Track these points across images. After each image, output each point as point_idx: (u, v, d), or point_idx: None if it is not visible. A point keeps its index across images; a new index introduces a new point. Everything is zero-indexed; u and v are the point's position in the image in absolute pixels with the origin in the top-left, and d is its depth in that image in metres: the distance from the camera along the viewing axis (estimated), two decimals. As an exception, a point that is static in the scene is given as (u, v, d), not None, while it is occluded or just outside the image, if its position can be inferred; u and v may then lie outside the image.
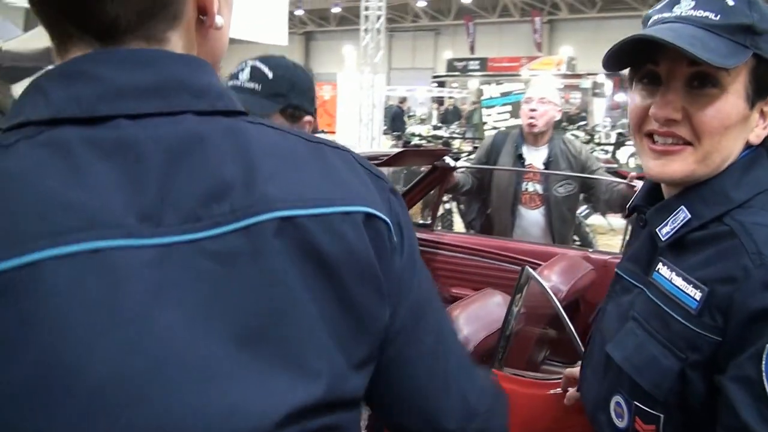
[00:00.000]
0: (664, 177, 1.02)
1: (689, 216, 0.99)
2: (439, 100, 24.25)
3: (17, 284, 0.47)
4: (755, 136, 1.00)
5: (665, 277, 0.99)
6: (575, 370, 1.46)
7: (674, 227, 1.00)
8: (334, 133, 13.90)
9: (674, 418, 0.97)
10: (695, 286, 0.93)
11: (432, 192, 3.53)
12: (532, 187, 3.31)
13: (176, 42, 0.60)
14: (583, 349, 1.72)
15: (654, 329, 0.99)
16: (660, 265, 1.01)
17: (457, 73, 28.99)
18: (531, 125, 3.23)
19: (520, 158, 3.33)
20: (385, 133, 14.00)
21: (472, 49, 28.62)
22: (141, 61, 0.57)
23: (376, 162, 2.27)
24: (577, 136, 8.50)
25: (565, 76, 23.76)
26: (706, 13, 0.95)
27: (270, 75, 1.50)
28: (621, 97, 22.90)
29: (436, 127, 16.73)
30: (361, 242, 0.60)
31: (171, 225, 0.53)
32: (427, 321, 0.70)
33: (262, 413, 0.53)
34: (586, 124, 16.31)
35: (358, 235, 0.60)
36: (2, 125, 0.56)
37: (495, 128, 14.71)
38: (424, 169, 3.54)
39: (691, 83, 0.96)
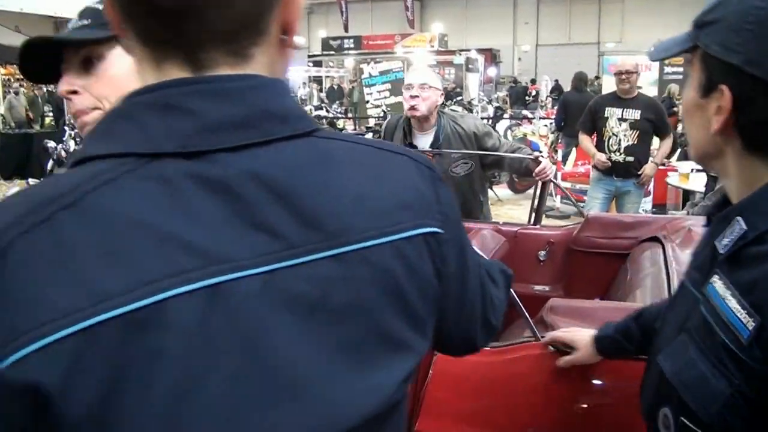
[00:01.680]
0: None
1: (745, 228, 0.93)
2: (318, 80, 24.11)
3: (145, 322, 0.51)
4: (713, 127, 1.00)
5: (719, 294, 0.94)
6: (572, 358, 1.64)
7: (731, 239, 0.94)
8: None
9: None
10: (749, 314, 0.88)
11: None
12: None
13: (260, 59, 0.62)
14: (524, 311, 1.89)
15: (706, 347, 0.94)
16: (715, 278, 0.96)
17: (332, 52, 28.96)
18: (413, 111, 3.23)
19: (411, 146, 3.31)
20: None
21: (346, 28, 28.61)
22: (231, 94, 0.59)
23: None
24: (455, 111, 8.79)
25: (439, 52, 24.26)
26: None
27: (101, 6, 1.15)
28: (492, 71, 23.67)
29: (317, 108, 16.68)
30: (421, 260, 0.70)
31: (272, 253, 0.58)
32: (469, 288, 0.83)
33: (389, 389, 0.66)
34: (462, 99, 16.73)
35: (420, 254, 0.69)
36: (90, 151, 0.57)
37: (376, 106, 14.89)
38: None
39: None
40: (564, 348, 1.69)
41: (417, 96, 3.19)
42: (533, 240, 3.31)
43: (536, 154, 3.21)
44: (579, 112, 6.06)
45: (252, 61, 0.61)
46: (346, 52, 28.72)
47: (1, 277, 0.49)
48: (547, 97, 18.69)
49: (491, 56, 25.12)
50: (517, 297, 1.81)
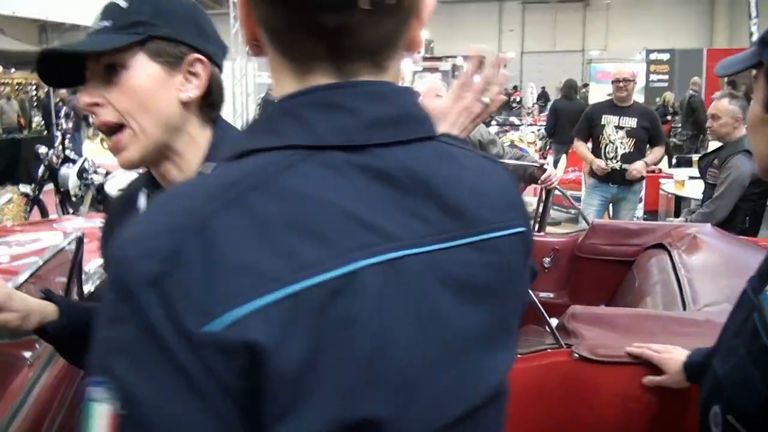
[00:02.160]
0: None
1: None
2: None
3: (340, 290, 0.56)
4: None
5: None
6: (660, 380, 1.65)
7: None
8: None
9: None
10: None
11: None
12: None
13: (391, 71, 0.68)
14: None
15: (754, 351, 1.00)
16: None
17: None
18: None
19: None
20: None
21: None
22: (382, 96, 0.65)
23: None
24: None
25: (425, 59, 24.34)
26: None
27: (124, 4, 1.06)
28: (478, 78, 23.72)
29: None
30: (520, 255, 0.76)
31: (429, 236, 0.64)
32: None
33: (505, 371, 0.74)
34: (450, 106, 16.77)
35: (519, 249, 0.76)
36: (254, 144, 0.63)
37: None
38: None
39: None
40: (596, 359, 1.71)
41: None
42: (538, 247, 3.34)
43: (542, 161, 3.24)
44: (569, 119, 6.11)
45: (386, 73, 0.67)
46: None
47: (206, 249, 0.54)
48: (533, 104, 18.80)
49: (479, 63, 25.15)
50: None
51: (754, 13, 13.67)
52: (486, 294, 0.69)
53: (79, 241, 1.75)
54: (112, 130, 1.06)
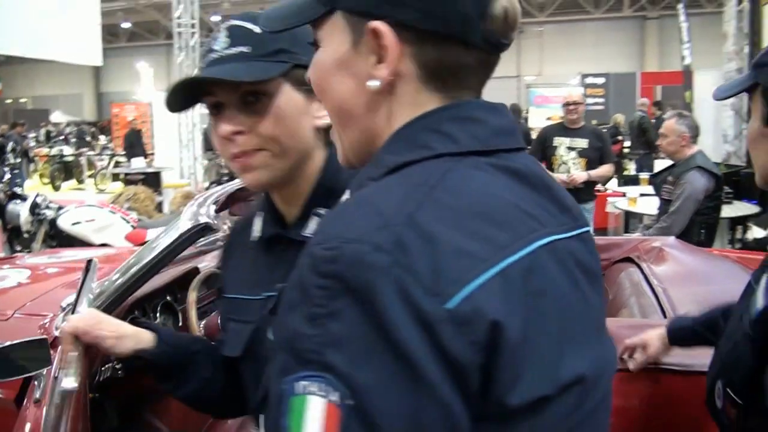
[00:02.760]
0: None
1: None
2: None
3: (530, 266, 0.64)
4: None
5: (763, 286, 1.18)
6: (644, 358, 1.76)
7: None
8: (153, 155, 13.25)
9: (753, 409, 1.16)
10: (765, 297, 1.15)
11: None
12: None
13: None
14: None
15: (749, 331, 1.18)
16: (765, 277, 1.19)
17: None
18: None
19: None
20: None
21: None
22: (497, 110, 0.75)
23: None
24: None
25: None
26: None
27: (257, 29, 1.03)
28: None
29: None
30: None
31: (560, 225, 0.72)
32: None
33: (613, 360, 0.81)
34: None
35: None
36: (403, 159, 0.69)
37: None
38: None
39: None
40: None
41: None
42: None
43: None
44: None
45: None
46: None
47: (423, 239, 0.59)
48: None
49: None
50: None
51: (686, 38, 14.30)
52: (597, 279, 0.77)
53: (90, 264, 1.75)
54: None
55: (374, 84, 0.71)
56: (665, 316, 2.29)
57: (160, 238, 2.25)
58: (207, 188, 10.30)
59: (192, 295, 2.39)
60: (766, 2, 8.70)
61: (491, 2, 0.70)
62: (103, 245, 5.42)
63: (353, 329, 0.57)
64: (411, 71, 0.71)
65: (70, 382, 1.25)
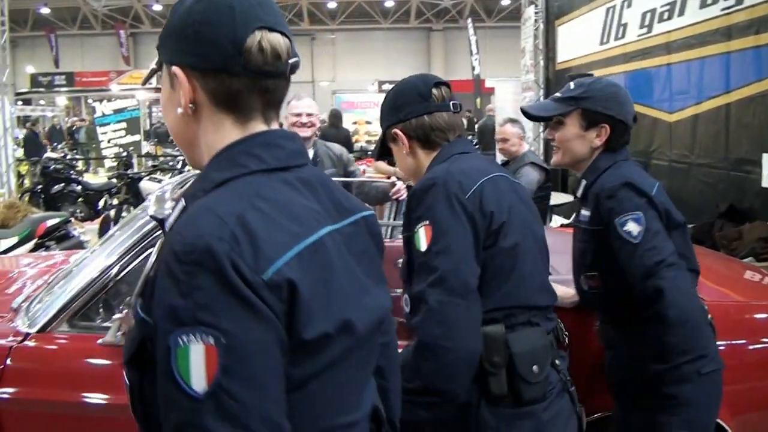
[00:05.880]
0: None
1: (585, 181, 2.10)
2: (27, 120, 21.45)
3: (318, 248, 0.92)
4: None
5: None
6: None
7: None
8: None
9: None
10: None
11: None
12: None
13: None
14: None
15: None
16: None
17: (42, 89, 27.16)
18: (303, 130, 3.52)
19: None
20: (19, 160, 12.57)
21: (56, 63, 26.80)
22: (293, 138, 1.02)
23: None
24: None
25: (157, 89, 23.57)
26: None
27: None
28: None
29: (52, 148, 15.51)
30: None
31: (337, 218, 1.02)
32: None
33: (386, 306, 1.11)
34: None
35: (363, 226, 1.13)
36: (226, 175, 0.94)
37: (117, 145, 14.24)
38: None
39: None
40: None
41: (305, 123, 3.54)
42: (392, 251, 3.82)
43: (393, 179, 3.76)
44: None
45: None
46: (57, 89, 27.17)
47: (247, 233, 0.85)
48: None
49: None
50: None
51: (474, 50, 15.63)
52: (365, 253, 1.07)
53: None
54: None
55: (179, 110, 0.98)
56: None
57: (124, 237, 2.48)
58: (20, 197, 9.64)
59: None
60: (561, 23, 9.91)
61: (244, 42, 0.92)
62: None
63: (211, 294, 0.80)
64: (204, 99, 0.97)
65: None
